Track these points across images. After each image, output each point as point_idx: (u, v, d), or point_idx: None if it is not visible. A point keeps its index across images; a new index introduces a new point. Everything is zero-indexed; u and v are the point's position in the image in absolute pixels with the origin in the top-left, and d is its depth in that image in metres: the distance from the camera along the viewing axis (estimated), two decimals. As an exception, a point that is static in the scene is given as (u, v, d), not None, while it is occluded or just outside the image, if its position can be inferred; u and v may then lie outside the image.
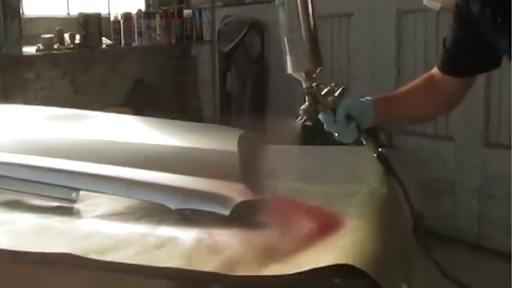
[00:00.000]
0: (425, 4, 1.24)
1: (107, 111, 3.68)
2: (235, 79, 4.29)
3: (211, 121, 4.39)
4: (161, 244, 1.04)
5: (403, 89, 1.38)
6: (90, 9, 3.98)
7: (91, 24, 3.53)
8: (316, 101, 1.19)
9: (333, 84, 1.22)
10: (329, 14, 3.52)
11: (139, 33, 3.76)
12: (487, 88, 2.86)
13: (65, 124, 1.45)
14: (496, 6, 1.18)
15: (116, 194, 1.26)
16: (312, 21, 1.16)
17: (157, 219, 1.18)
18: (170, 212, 1.19)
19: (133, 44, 3.76)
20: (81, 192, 1.28)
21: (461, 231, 3.03)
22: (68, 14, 4.23)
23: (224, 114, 4.33)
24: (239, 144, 1.26)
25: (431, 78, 1.38)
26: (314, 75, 1.18)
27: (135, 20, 3.75)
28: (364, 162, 1.46)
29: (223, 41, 4.26)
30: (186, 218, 1.18)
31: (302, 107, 1.21)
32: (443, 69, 1.35)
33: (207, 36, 4.14)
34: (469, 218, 3.01)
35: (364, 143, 1.23)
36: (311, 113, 1.20)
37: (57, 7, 4.10)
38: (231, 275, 0.90)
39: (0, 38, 3.07)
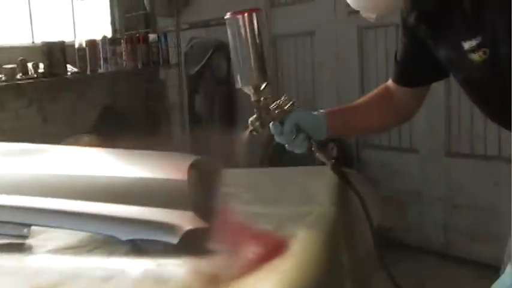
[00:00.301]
0: (362, 15, 1.26)
1: (74, 139, 3.69)
2: (203, 101, 4.31)
3: (180, 144, 4.41)
4: (109, 277, 1.04)
5: (359, 101, 1.44)
6: (54, 36, 3.99)
7: (55, 53, 3.52)
8: (264, 113, 1.27)
9: (283, 98, 1.31)
10: (292, 33, 3.57)
11: (105, 60, 3.77)
12: (447, 98, 2.92)
13: (14, 159, 1.44)
14: (430, 17, 1.21)
15: (65, 228, 1.25)
16: (257, 39, 1.24)
17: (108, 251, 1.17)
18: (121, 244, 1.18)
19: (99, 71, 3.76)
20: (33, 227, 1.28)
21: (428, 241, 3.07)
22: (33, 42, 4.22)
23: (194, 136, 4.34)
24: (190, 172, 1.27)
25: (386, 89, 1.43)
26: (261, 89, 1.26)
27: (100, 46, 3.76)
28: (319, 182, 1.49)
29: (189, 63, 4.29)
30: (137, 248, 1.17)
31: (250, 119, 1.30)
32: (396, 80, 1.40)
33: (173, 60, 4.16)
34: (436, 227, 3.05)
35: (317, 154, 1.30)
36: (256, 124, 1.29)
37: (21, 36, 4.09)
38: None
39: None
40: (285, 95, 1.32)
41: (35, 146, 1.56)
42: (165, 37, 4.04)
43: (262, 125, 1.28)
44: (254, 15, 1.23)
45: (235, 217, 1.27)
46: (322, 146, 1.31)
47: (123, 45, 3.83)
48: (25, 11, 4.11)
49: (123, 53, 3.84)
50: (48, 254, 1.21)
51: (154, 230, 1.16)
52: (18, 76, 3.41)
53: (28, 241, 1.27)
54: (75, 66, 3.73)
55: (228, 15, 1.25)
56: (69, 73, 3.64)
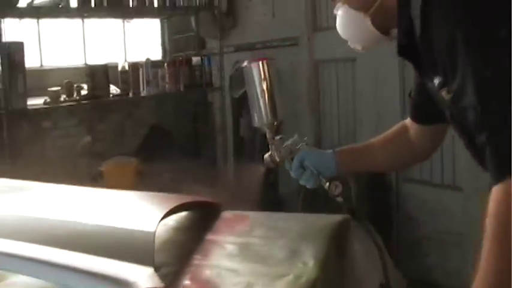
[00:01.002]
0: (350, 46, 1.30)
1: (114, 161, 3.72)
2: (246, 125, 4.24)
3: (222, 168, 4.36)
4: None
5: (375, 139, 1.46)
6: (106, 58, 4.08)
7: (98, 75, 3.57)
8: (277, 150, 1.42)
9: (295, 137, 1.45)
10: (334, 58, 3.45)
11: (148, 82, 3.78)
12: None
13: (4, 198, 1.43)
14: (406, 51, 1.15)
15: (27, 275, 1.21)
16: (267, 84, 1.40)
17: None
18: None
19: (142, 94, 3.78)
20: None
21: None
22: (85, 64, 4.33)
23: (237, 160, 4.29)
24: (166, 220, 1.22)
25: (403, 127, 1.41)
26: (274, 129, 1.43)
27: (143, 69, 3.78)
28: (315, 233, 1.39)
29: (234, 86, 4.24)
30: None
31: (265, 155, 1.45)
32: (412, 117, 1.37)
33: (217, 83, 4.13)
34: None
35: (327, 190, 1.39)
36: (268, 161, 1.44)
37: (73, 58, 4.22)
38: None
39: (6, 93, 3.14)
40: (297, 134, 1.46)
41: (24, 184, 1.56)
42: (209, 60, 4.02)
43: (274, 162, 1.43)
44: (263, 63, 1.40)
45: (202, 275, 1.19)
46: (327, 183, 1.39)
47: (165, 67, 3.83)
48: (79, 34, 4.23)
49: (166, 75, 3.84)
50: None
51: (109, 285, 1.10)
52: (62, 98, 3.46)
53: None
54: (118, 87, 3.77)
55: (244, 64, 1.44)
56: (111, 95, 3.67)
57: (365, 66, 3.31)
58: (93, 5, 3.43)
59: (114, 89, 3.79)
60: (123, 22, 4.27)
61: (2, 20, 3.11)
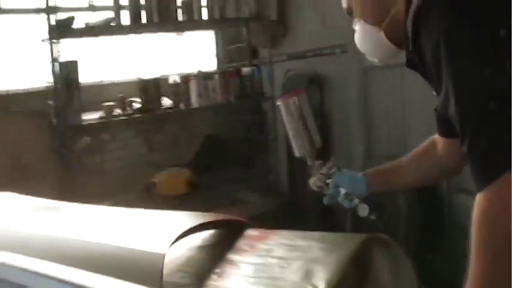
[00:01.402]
0: (368, 59, 1.36)
1: (166, 172, 3.81)
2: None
3: (275, 178, 4.37)
4: None
5: (403, 159, 1.51)
6: (160, 71, 4.19)
7: (150, 89, 3.69)
8: (317, 175, 1.57)
9: (331, 162, 1.58)
10: (381, 65, 3.38)
11: (199, 94, 3.86)
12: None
13: (34, 216, 1.52)
14: (413, 65, 1.18)
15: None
16: (300, 116, 1.56)
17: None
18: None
19: (193, 106, 3.86)
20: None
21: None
22: (139, 78, 4.46)
23: (291, 169, 4.28)
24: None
25: (432, 143, 1.43)
26: (314, 156, 1.57)
27: (193, 81, 3.86)
28: (329, 256, 1.37)
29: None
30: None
31: (309, 180, 1.60)
32: (438, 132, 1.38)
33: (268, 92, 4.15)
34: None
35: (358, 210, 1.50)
36: (311, 184, 1.60)
37: (130, 72, 4.35)
38: None
39: (63, 110, 3.30)
40: (333, 159, 1.59)
41: (54, 204, 1.64)
42: (259, 69, 4.05)
43: (316, 186, 1.59)
44: (294, 99, 1.56)
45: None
46: (356, 204, 1.50)
47: (216, 79, 3.89)
48: (134, 48, 4.37)
49: (217, 87, 3.90)
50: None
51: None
52: (116, 112, 3.60)
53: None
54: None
55: (277, 102, 1.62)
56: (163, 107, 3.77)
57: (413, 73, 3.21)
58: (144, 21, 3.54)
59: (166, 101, 3.89)
60: (176, 35, 4.36)
61: (58, 41, 3.26)
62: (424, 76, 1.16)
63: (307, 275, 1.28)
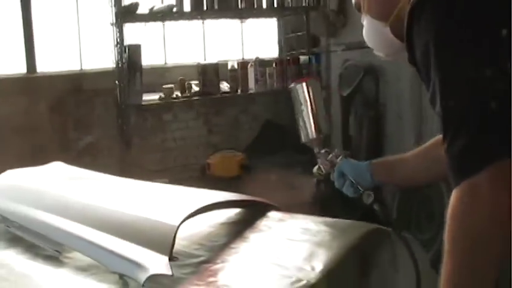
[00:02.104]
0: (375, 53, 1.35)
1: (221, 154, 3.96)
2: (353, 123, 4.26)
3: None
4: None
5: (412, 151, 1.49)
6: (222, 56, 4.34)
7: (209, 73, 3.84)
8: (323, 163, 1.54)
9: (336, 151, 1.56)
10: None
11: (256, 80, 3.98)
12: None
13: (73, 184, 1.70)
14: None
15: (76, 250, 1.44)
16: (311, 101, 1.52)
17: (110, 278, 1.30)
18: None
19: (250, 91, 3.98)
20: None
21: None
22: (205, 61, 4.63)
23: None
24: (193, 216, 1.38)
25: (439, 140, 1.35)
26: (320, 143, 1.54)
27: (252, 67, 3.98)
28: (334, 241, 1.45)
29: (343, 85, 4.28)
30: (123, 280, 1.29)
31: (313, 169, 1.58)
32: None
33: (325, 81, 4.21)
34: None
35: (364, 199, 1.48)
36: (316, 173, 1.57)
37: (192, 56, 4.53)
38: None
39: (125, 90, 3.53)
40: (336, 149, 1.56)
41: (90, 174, 1.82)
42: (316, 58, 4.10)
43: (320, 173, 1.55)
44: (307, 84, 1.52)
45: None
46: (360, 193, 1.49)
47: (273, 66, 3.99)
48: (199, 33, 4.54)
49: (274, 74, 4.00)
50: (65, 270, 1.39)
51: (130, 267, 1.27)
52: (175, 94, 3.78)
53: (62, 256, 1.48)
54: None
55: (291, 85, 1.56)
56: (221, 92, 3.92)
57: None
58: (205, 8, 3.69)
59: (225, 86, 4.04)
60: (239, 21, 4.49)
61: (123, 25, 3.47)
62: (418, 72, 1.17)
63: (310, 257, 1.36)
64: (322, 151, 1.55)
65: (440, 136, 1.39)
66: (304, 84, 1.53)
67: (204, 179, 3.79)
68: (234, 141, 4.77)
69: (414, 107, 3.61)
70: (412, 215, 3.10)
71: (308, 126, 1.54)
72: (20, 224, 1.60)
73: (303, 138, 1.56)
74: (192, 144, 4.66)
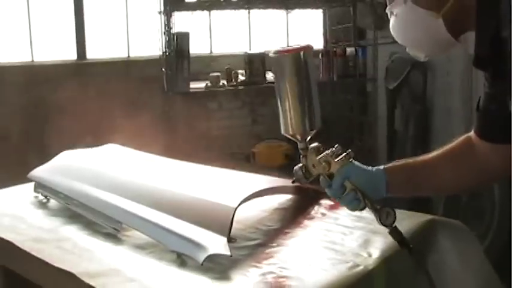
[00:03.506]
0: (409, 53, 1.15)
1: (266, 143, 3.96)
2: (400, 117, 4.21)
3: (373, 159, 4.37)
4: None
5: (431, 154, 1.25)
6: (267, 46, 4.33)
7: (255, 63, 3.85)
8: (309, 163, 1.19)
9: (335, 148, 1.19)
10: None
11: (301, 71, 3.95)
12: None
13: (129, 164, 1.75)
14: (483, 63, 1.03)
15: (134, 229, 1.47)
16: (303, 84, 1.14)
17: (168, 256, 1.33)
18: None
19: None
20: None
21: None
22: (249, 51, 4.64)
23: (390, 153, 4.27)
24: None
25: (467, 142, 1.23)
26: (309, 137, 1.19)
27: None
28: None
29: (390, 78, 4.22)
30: (181, 258, 1.32)
31: (294, 167, 1.22)
32: (477, 132, 1.20)
33: (371, 73, 4.16)
34: None
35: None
36: (299, 174, 1.21)
37: (239, 45, 4.55)
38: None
39: (173, 77, 3.57)
40: (337, 145, 1.19)
41: (145, 156, 1.86)
42: (363, 50, 4.06)
43: (306, 176, 1.19)
44: (302, 54, 1.13)
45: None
46: (375, 208, 1.15)
47: (319, 57, 3.97)
48: (244, 23, 4.55)
49: (320, 65, 3.98)
50: (123, 248, 1.43)
51: (189, 247, 1.30)
52: (222, 83, 3.81)
53: (120, 234, 1.51)
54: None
55: (271, 53, 1.15)
56: (267, 82, 3.92)
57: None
58: (252, -2, 3.71)
59: (271, 76, 4.04)
60: (285, 12, 4.47)
61: (172, 13, 3.51)
62: (497, 74, 1.01)
63: (365, 243, 1.37)
64: (312, 146, 1.20)
65: (468, 136, 1.23)
66: (301, 53, 1.13)
67: (249, 167, 3.81)
68: (278, 132, 4.76)
69: (464, 103, 3.54)
70: (459, 212, 3.04)
71: (294, 113, 1.16)
72: (80, 202, 1.64)
73: (284, 129, 1.19)
74: (236, 134, 4.68)
